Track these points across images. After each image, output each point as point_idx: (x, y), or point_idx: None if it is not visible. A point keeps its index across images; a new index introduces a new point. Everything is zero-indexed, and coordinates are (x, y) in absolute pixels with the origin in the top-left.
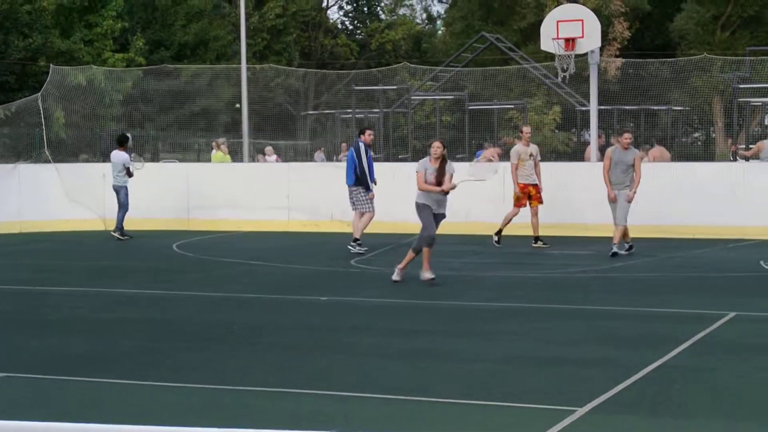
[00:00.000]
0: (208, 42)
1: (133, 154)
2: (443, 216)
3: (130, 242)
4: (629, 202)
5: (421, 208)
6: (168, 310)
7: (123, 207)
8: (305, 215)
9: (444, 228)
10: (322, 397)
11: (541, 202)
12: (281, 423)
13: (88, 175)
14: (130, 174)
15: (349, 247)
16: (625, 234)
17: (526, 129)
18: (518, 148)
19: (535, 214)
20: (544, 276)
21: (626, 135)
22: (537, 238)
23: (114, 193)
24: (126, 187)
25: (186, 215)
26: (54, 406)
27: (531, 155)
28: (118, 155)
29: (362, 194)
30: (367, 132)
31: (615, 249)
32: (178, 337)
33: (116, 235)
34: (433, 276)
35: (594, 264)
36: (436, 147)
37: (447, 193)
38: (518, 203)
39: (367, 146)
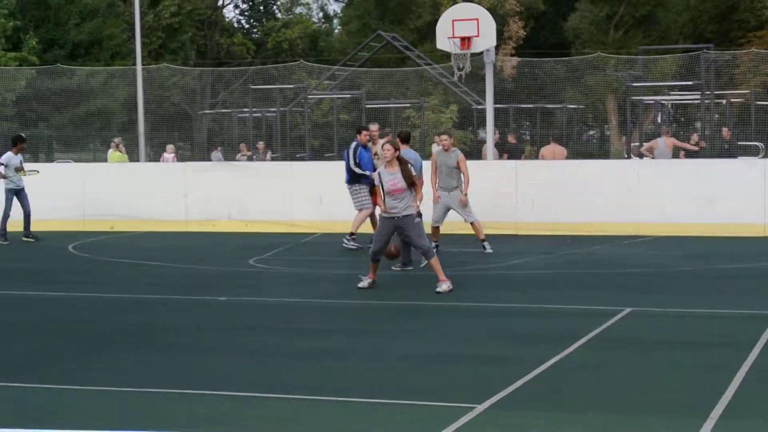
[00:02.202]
0: (102, 41)
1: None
2: (413, 216)
3: (25, 244)
4: (464, 204)
5: (380, 220)
6: (63, 312)
7: (5, 210)
8: (203, 215)
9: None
10: (220, 398)
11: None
12: (181, 424)
13: None
14: (1, 175)
15: (344, 241)
16: (435, 233)
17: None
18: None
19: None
20: None
21: (443, 136)
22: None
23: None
24: (9, 190)
25: (82, 216)
26: None
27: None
28: (4, 156)
29: (358, 191)
30: (363, 132)
31: (487, 248)
32: (74, 339)
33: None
34: (448, 287)
35: (490, 262)
36: (386, 150)
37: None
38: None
39: (363, 145)
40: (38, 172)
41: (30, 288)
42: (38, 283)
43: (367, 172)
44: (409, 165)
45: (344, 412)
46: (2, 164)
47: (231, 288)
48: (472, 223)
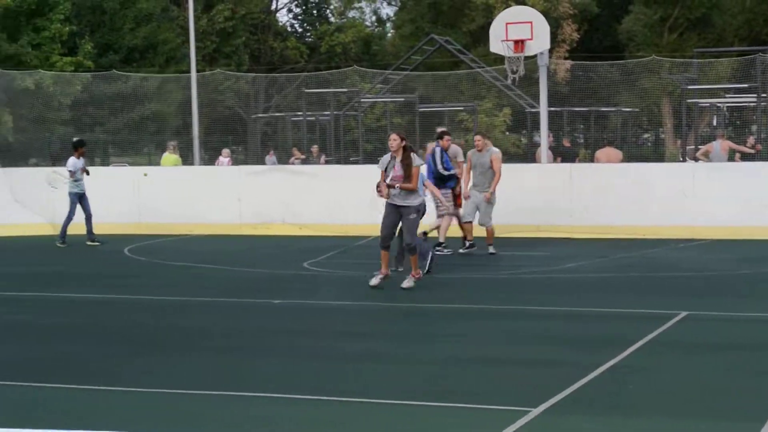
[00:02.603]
0: (157, 45)
1: (53, 170)
2: (412, 210)
3: (82, 248)
4: (487, 202)
5: (385, 206)
6: (119, 315)
7: (69, 213)
8: (257, 218)
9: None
10: (272, 400)
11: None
12: (234, 426)
13: (37, 180)
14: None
15: (437, 251)
16: (469, 231)
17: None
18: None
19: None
20: (496, 277)
21: (477, 137)
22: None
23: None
24: (75, 194)
25: (137, 219)
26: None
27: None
28: (69, 161)
29: (443, 197)
30: (446, 137)
31: (491, 249)
32: (129, 342)
33: (60, 245)
34: (411, 284)
35: (545, 265)
36: (392, 139)
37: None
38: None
39: (444, 150)
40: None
41: (85, 291)
42: (93, 285)
43: (453, 170)
44: (413, 156)
45: (397, 415)
46: (70, 170)
47: (285, 291)
48: (486, 227)
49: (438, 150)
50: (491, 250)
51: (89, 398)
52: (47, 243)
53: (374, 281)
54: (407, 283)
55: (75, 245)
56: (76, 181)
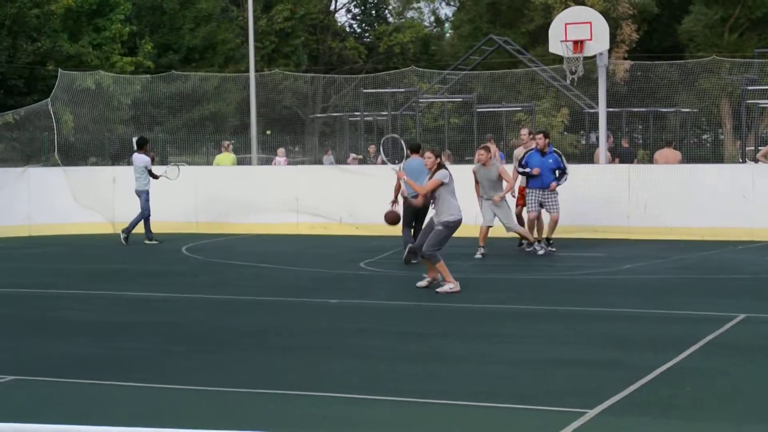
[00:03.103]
0: (216, 45)
1: (171, 162)
2: (440, 223)
3: (140, 246)
4: (495, 203)
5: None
6: (178, 313)
7: (142, 211)
8: (314, 218)
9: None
10: (332, 400)
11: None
12: (293, 426)
13: (98, 179)
14: (153, 176)
15: (539, 248)
16: (540, 229)
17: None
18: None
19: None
20: (553, 278)
21: (480, 151)
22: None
23: (136, 197)
24: (147, 191)
25: (195, 218)
26: (63, 408)
27: None
28: (138, 158)
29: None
30: (539, 136)
31: (481, 251)
32: (188, 340)
33: (123, 236)
34: (446, 290)
35: (603, 266)
36: (427, 157)
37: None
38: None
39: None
40: (178, 170)
41: (144, 289)
42: (152, 284)
43: (528, 170)
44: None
45: (452, 416)
46: (146, 168)
47: (342, 291)
48: (487, 227)
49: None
50: (479, 252)
51: (147, 395)
52: (108, 242)
53: (422, 283)
54: (442, 288)
55: (134, 244)
56: (146, 178)
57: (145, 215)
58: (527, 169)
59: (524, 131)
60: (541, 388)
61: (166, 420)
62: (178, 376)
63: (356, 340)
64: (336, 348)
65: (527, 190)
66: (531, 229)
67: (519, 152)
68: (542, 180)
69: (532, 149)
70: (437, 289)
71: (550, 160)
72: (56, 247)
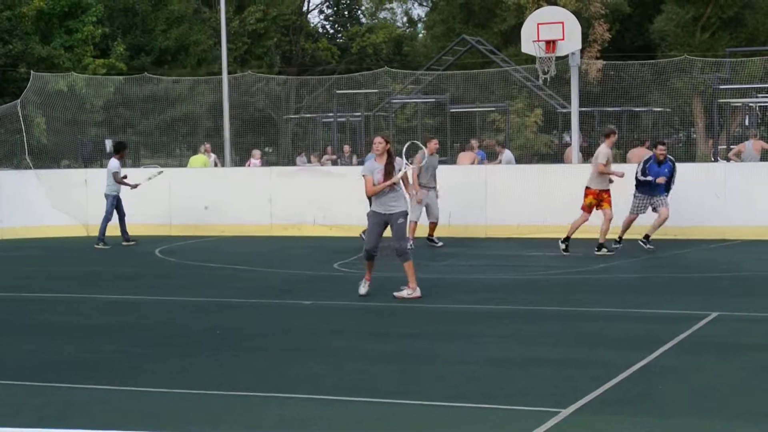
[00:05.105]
0: (188, 47)
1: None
2: (400, 215)
3: (113, 249)
4: (419, 203)
5: (369, 217)
6: (151, 316)
7: (105, 215)
8: (288, 219)
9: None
10: (306, 401)
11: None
12: (267, 428)
13: (70, 181)
14: (126, 185)
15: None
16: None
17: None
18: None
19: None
20: (527, 278)
21: (435, 142)
22: (601, 245)
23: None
24: (114, 196)
25: (169, 220)
26: (35, 412)
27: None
28: (109, 163)
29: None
30: (660, 147)
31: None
32: (162, 343)
33: (99, 246)
34: (404, 295)
35: (576, 265)
36: (377, 143)
37: (395, 186)
38: (589, 210)
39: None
40: (159, 171)
41: (117, 292)
42: (125, 286)
43: (650, 178)
44: (397, 161)
45: (427, 416)
46: (115, 172)
47: (316, 292)
48: (414, 222)
49: (646, 157)
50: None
51: (121, 398)
52: (81, 244)
53: (363, 290)
54: (399, 293)
55: (110, 245)
56: (114, 183)
57: (108, 219)
58: (649, 178)
59: (613, 138)
60: (515, 388)
61: (140, 423)
62: (153, 378)
63: (331, 341)
64: (310, 349)
65: (637, 194)
66: (626, 228)
67: (607, 152)
68: (655, 187)
69: (650, 157)
70: (395, 294)
71: (666, 170)
72: (29, 251)
